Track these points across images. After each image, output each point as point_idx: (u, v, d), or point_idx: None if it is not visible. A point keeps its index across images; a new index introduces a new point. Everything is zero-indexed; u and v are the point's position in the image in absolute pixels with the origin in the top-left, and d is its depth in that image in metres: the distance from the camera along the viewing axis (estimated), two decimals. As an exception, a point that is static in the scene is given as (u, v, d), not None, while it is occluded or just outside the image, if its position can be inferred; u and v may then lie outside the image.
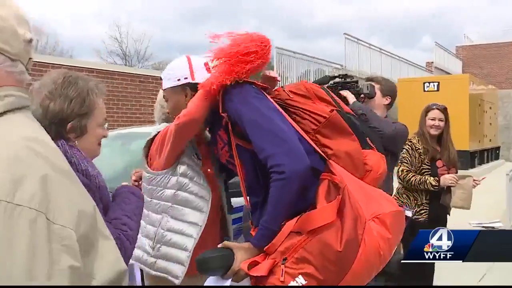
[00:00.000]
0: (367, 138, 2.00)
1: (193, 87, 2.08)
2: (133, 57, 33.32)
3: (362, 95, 3.25)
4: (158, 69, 21.43)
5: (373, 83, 3.39)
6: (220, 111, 1.91)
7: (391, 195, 3.41)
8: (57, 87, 1.63)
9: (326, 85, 3.42)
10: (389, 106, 3.49)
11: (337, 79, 3.33)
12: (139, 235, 2.07)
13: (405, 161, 3.83)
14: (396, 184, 3.89)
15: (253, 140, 1.81)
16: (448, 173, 3.81)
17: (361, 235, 1.64)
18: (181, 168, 2.11)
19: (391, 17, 67.18)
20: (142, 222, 2.14)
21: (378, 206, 1.73)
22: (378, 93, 3.38)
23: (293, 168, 1.70)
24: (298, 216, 1.72)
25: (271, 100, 1.94)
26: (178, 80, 2.12)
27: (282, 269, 1.65)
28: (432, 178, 3.74)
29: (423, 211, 3.78)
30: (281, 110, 1.91)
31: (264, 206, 1.80)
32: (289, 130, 1.82)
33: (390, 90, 3.47)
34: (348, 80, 3.33)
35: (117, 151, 3.84)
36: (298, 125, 1.94)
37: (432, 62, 23.15)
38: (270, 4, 62.28)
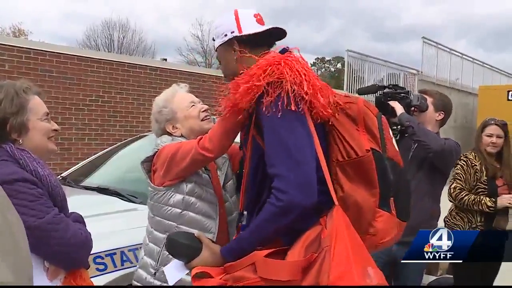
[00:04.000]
0: (392, 198, 1.67)
1: (241, 41, 1.86)
2: (213, 55, 33.94)
3: (412, 108, 3.05)
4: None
5: (426, 96, 3.16)
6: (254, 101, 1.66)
7: (437, 219, 3.16)
8: None
9: (374, 94, 3.27)
10: (442, 122, 3.22)
11: (387, 90, 3.14)
12: (142, 253, 2.05)
13: (459, 177, 3.52)
14: (448, 204, 3.60)
15: (267, 150, 1.62)
16: (509, 193, 3.46)
17: None
18: (188, 187, 2.03)
19: (484, 19, 63.57)
20: (145, 238, 2.12)
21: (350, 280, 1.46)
22: (431, 107, 3.13)
23: (295, 201, 1.52)
24: (271, 250, 1.56)
25: (305, 112, 1.64)
26: (225, 35, 1.89)
27: None
28: (488, 198, 3.40)
29: None
30: (312, 126, 1.64)
31: (253, 213, 1.68)
32: (310, 154, 1.60)
33: (444, 105, 3.19)
34: (398, 91, 3.13)
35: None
36: (327, 149, 1.71)
37: (522, 69, 21.54)
38: (354, 5, 61.16)
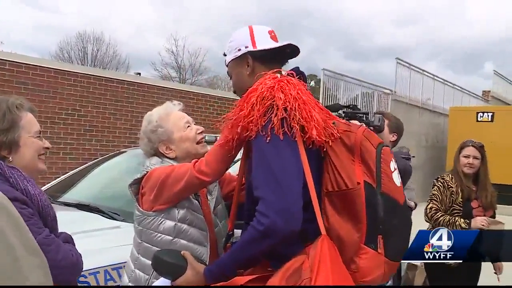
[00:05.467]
0: (381, 236, 1.59)
1: (254, 56, 1.84)
2: (187, 71, 34.02)
3: (372, 128, 3.16)
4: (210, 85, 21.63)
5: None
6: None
7: None
8: None
9: (335, 113, 3.38)
10: (394, 144, 3.43)
11: (347, 110, 3.26)
12: (126, 279, 2.02)
13: (435, 199, 3.63)
14: (425, 224, 3.68)
15: (253, 172, 1.62)
16: (484, 215, 3.56)
17: None
18: (180, 213, 1.94)
19: (454, 42, 65.37)
20: (130, 264, 2.06)
21: None
22: (386, 129, 3.30)
23: (275, 227, 1.49)
24: (252, 277, 1.56)
25: (297, 137, 1.61)
26: (239, 50, 1.86)
27: None
28: (462, 220, 3.49)
29: None
30: (303, 152, 1.61)
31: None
32: (297, 180, 1.56)
33: (397, 128, 3.44)
34: (356, 111, 3.27)
35: (131, 171, 3.82)
36: (320, 177, 1.68)
37: (489, 91, 22.20)
38: (329, 24, 61.99)
